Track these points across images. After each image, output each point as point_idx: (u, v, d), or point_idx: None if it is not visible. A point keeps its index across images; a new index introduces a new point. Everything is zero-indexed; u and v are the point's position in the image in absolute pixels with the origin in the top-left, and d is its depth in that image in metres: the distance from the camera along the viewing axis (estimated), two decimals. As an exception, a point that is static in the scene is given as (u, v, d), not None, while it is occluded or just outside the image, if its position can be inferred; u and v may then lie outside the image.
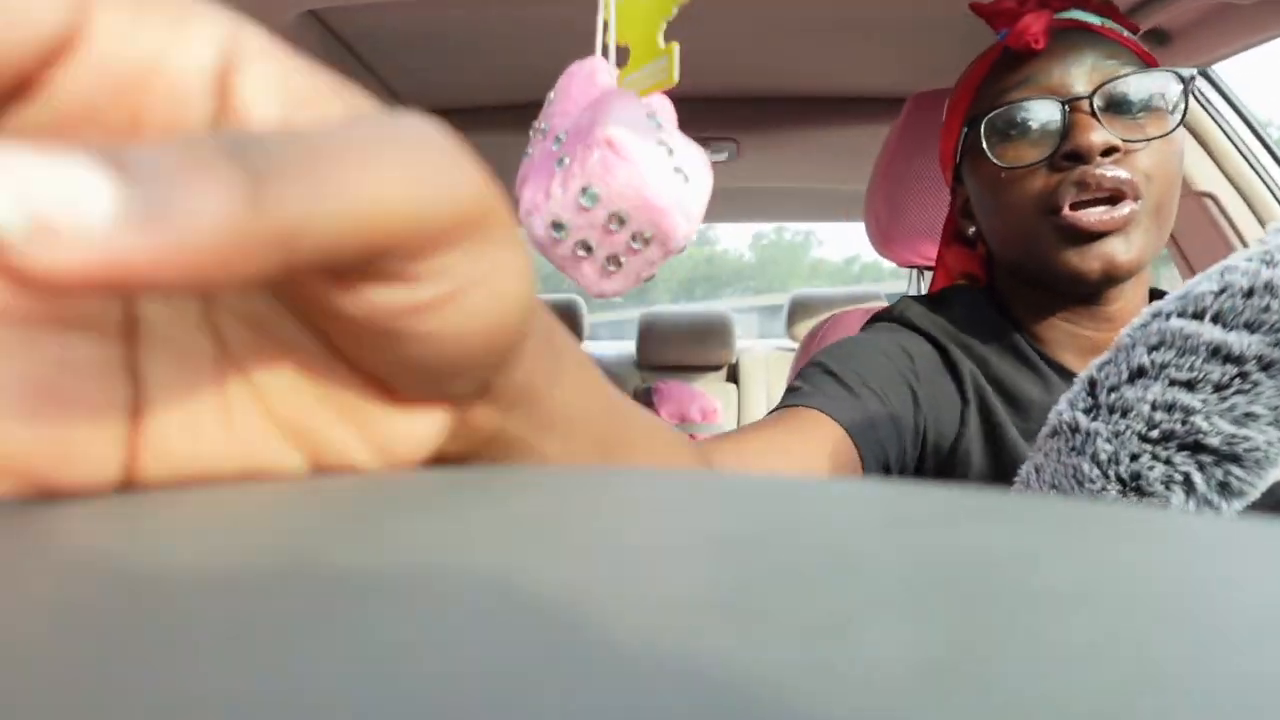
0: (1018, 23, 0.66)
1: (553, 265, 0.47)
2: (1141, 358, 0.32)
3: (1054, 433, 0.35)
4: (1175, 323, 0.32)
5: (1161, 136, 0.62)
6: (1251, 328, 0.30)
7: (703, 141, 1.34)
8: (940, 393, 0.68)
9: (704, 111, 1.39)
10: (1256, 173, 1.19)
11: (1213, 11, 0.96)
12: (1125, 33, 0.67)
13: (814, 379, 0.65)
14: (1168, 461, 0.31)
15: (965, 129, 0.70)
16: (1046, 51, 0.65)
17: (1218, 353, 0.31)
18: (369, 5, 0.98)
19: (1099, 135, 0.60)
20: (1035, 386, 0.68)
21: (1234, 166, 1.20)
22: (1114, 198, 0.61)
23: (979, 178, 0.69)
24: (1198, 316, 0.32)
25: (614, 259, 0.46)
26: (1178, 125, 0.63)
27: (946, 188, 0.83)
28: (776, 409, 0.64)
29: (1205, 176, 1.21)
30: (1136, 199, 0.61)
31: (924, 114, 1.00)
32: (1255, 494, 0.31)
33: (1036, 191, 0.63)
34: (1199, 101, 1.17)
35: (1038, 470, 0.35)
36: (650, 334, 2.58)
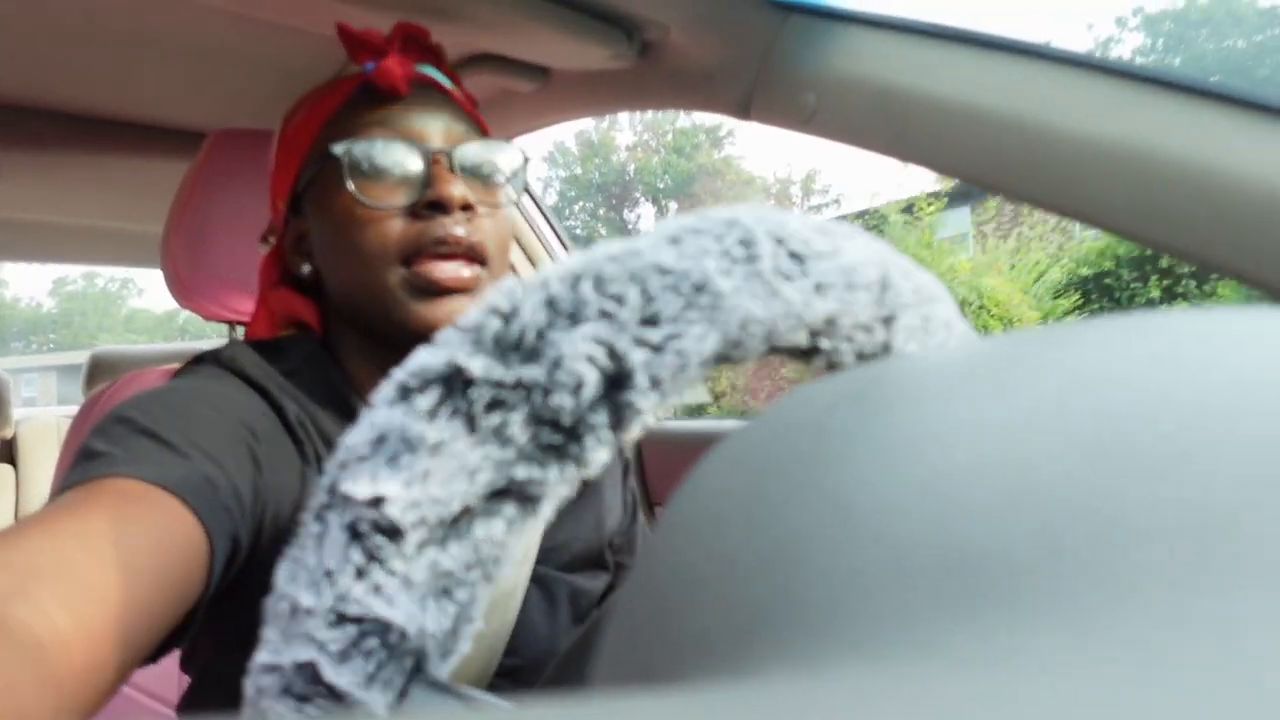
0: (382, 62, 0.63)
1: None
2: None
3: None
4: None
5: (509, 204, 0.65)
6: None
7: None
8: (280, 454, 0.58)
9: None
10: (545, 248, 1.37)
11: (501, 95, 1.07)
12: (466, 103, 0.70)
13: (123, 440, 0.49)
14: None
15: (314, 160, 0.64)
16: (406, 100, 0.63)
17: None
18: None
19: (459, 190, 0.60)
20: None
21: (527, 242, 1.37)
22: (466, 257, 0.61)
23: (328, 213, 0.63)
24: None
25: None
26: (519, 196, 0.67)
27: (253, 235, 0.74)
28: (70, 485, 0.46)
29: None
30: (483, 263, 0.62)
31: (226, 152, 0.89)
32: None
33: (393, 238, 0.61)
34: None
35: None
36: None
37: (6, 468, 2.01)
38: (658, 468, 1.33)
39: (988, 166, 0.60)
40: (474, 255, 0.62)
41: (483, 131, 0.68)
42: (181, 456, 0.50)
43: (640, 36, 0.79)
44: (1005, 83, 0.60)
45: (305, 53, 0.87)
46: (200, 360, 0.64)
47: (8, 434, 2.03)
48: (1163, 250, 0.53)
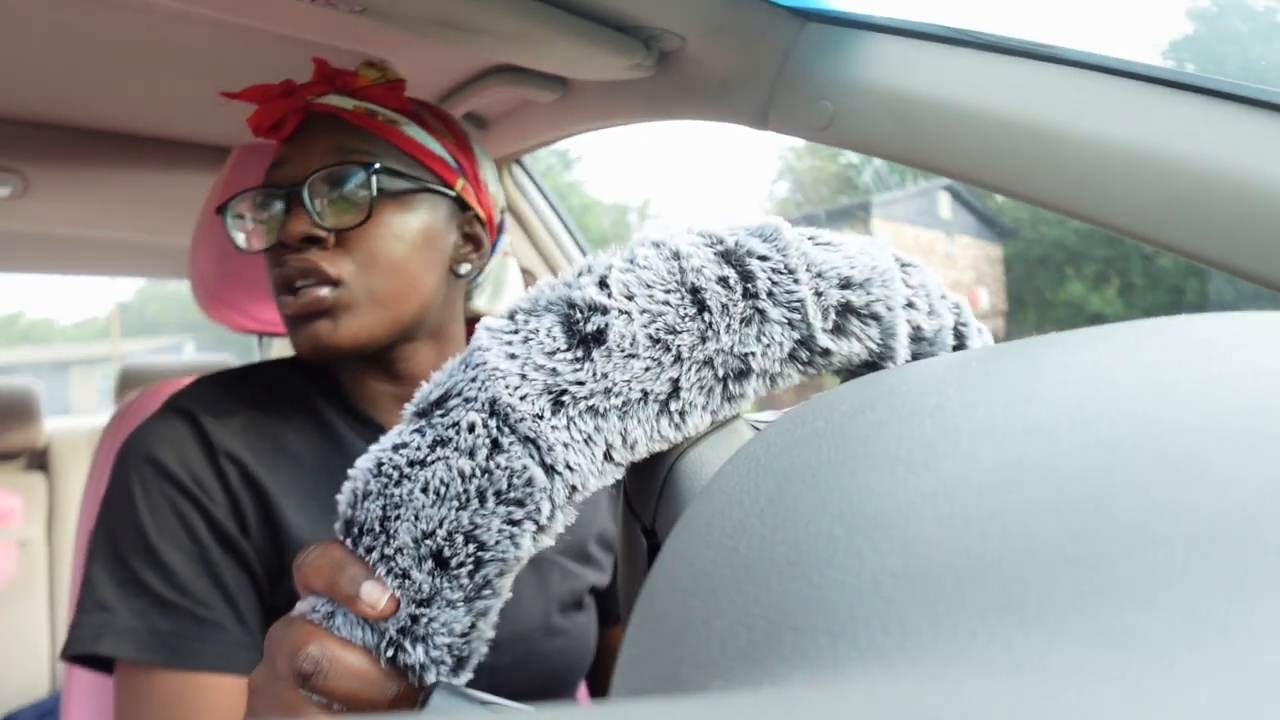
0: (259, 110, 0.68)
1: None
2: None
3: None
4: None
5: (358, 225, 0.64)
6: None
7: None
8: (224, 501, 0.65)
9: None
10: (561, 249, 1.38)
11: (519, 105, 1.07)
12: (380, 115, 0.68)
13: (121, 592, 0.60)
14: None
15: (217, 212, 0.70)
16: (293, 137, 0.67)
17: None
18: None
19: (299, 226, 0.63)
20: (341, 454, 0.69)
21: (545, 246, 1.37)
22: (315, 283, 0.64)
23: None
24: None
25: None
26: (369, 214, 0.65)
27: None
28: (84, 642, 0.59)
29: (525, 255, 1.36)
30: (331, 284, 0.64)
31: (250, 167, 0.91)
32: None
33: (272, 276, 0.67)
34: (516, 186, 1.31)
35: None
36: None
37: (39, 476, 2.04)
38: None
39: (1007, 172, 0.59)
40: (317, 278, 0.64)
41: (390, 141, 0.67)
42: (215, 627, 0.60)
43: (658, 47, 0.80)
44: (1024, 88, 0.60)
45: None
46: (169, 407, 0.68)
47: (40, 444, 2.06)
48: (1183, 255, 0.52)
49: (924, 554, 0.15)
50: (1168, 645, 0.11)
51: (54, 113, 1.07)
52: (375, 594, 0.29)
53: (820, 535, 0.17)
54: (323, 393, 0.72)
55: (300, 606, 0.32)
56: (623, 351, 0.29)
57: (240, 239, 0.68)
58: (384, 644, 0.30)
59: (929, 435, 0.18)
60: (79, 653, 0.59)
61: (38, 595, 1.93)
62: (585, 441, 0.29)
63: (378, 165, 0.65)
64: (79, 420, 2.30)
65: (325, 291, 0.64)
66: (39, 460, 2.07)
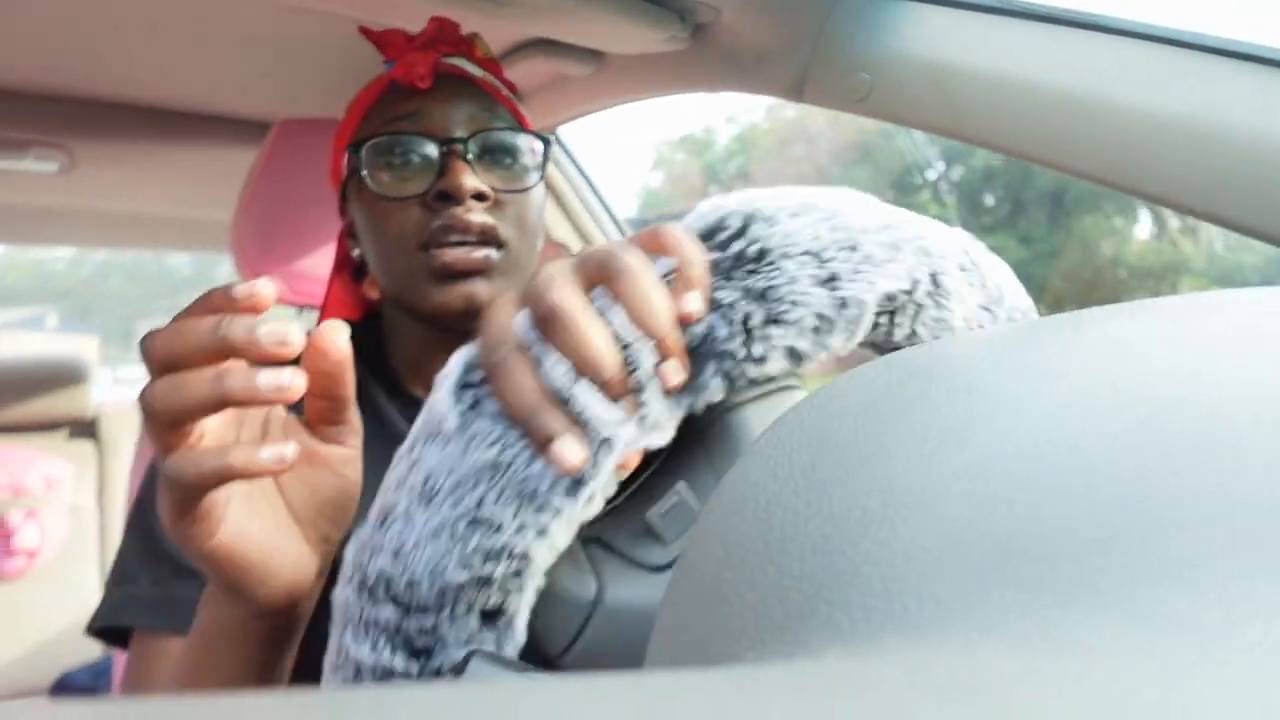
0: (402, 59, 0.67)
1: None
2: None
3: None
4: None
5: (525, 190, 0.66)
6: None
7: (21, 145, 1.04)
8: None
9: (23, 109, 1.09)
10: (597, 224, 1.38)
11: (554, 79, 1.07)
12: (503, 90, 0.71)
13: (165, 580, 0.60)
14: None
15: (350, 155, 0.68)
16: (431, 92, 0.66)
17: None
18: None
19: (470, 180, 0.63)
20: (382, 428, 0.67)
21: (580, 219, 1.37)
22: (479, 241, 0.63)
23: (360, 202, 0.68)
24: None
25: None
26: (539, 180, 0.68)
27: (320, 221, 0.77)
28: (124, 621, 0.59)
29: (559, 228, 1.37)
30: (499, 246, 0.64)
31: (292, 141, 0.92)
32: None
33: (410, 226, 0.64)
34: (552, 162, 1.31)
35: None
36: None
37: (89, 445, 2.10)
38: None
39: (1051, 145, 0.58)
40: (488, 238, 0.64)
41: (515, 118, 0.70)
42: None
43: (693, 19, 0.79)
44: (1068, 57, 0.58)
45: (367, 42, 0.89)
46: None
47: (89, 413, 2.12)
48: (1239, 231, 0.51)
49: (957, 530, 0.15)
50: (1206, 626, 0.11)
51: (98, 89, 1.09)
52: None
53: (855, 509, 0.17)
54: (365, 363, 0.71)
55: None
56: None
57: (369, 180, 0.65)
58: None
59: (963, 411, 0.18)
60: (101, 626, 0.59)
61: (89, 561, 2.00)
62: None
63: (552, 138, 0.67)
64: (129, 390, 2.35)
65: (493, 252, 0.64)
66: (88, 429, 2.13)
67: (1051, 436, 0.16)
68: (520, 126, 0.69)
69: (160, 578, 0.59)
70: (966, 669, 0.12)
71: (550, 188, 1.33)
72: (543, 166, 0.69)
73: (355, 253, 0.72)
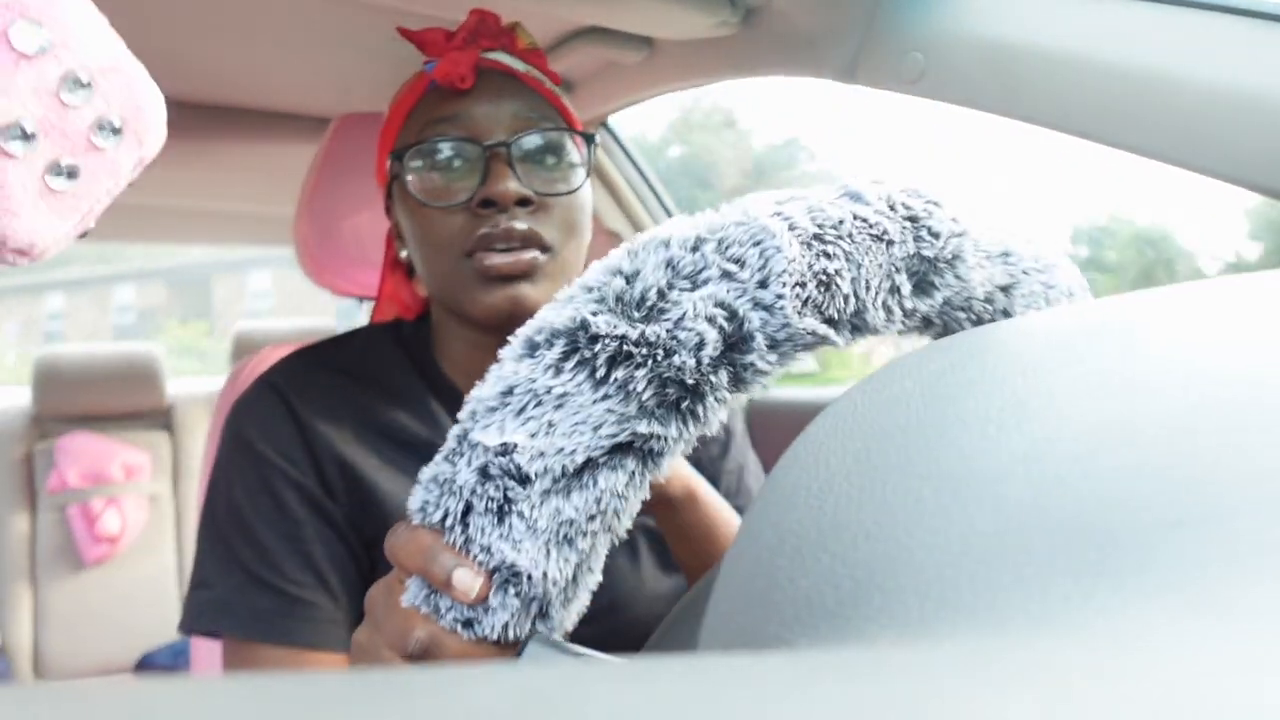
0: (443, 59, 0.65)
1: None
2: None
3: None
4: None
5: (570, 193, 0.65)
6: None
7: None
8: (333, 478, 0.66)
9: None
10: (649, 214, 1.38)
11: (605, 67, 1.07)
12: (547, 83, 0.69)
13: (240, 587, 0.62)
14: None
15: (393, 158, 0.67)
16: (473, 92, 0.65)
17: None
18: None
19: (514, 186, 0.62)
20: (429, 428, 0.68)
21: (631, 208, 1.37)
22: (523, 245, 0.63)
23: (405, 207, 0.67)
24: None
25: (61, 166, 0.29)
26: (584, 180, 0.67)
27: (380, 214, 0.78)
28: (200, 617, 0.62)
29: (611, 218, 1.37)
30: (544, 249, 0.64)
31: (350, 136, 0.93)
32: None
33: (454, 232, 0.64)
34: (603, 149, 1.31)
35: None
36: (50, 379, 2.08)
37: (164, 435, 2.19)
38: (762, 436, 1.32)
39: (1112, 124, 0.56)
40: (533, 242, 0.63)
41: (558, 112, 0.68)
42: (303, 603, 0.61)
43: (743, 3, 0.78)
44: (1130, 32, 0.56)
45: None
46: (261, 383, 0.69)
47: (164, 405, 2.21)
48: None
49: (1015, 516, 0.15)
50: (1274, 611, 0.11)
51: (162, 88, 1.13)
52: (468, 581, 0.30)
53: (909, 495, 0.16)
54: (415, 362, 0.72)
55: (405, 596, 0.32)
56: None
57: (413, 188, 0.65)
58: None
59: (1021, 394, 0.18)
60: (190, 630, 0.62)
61: (166, 545, 2.10)
62: None
63: (596, 138, 0.66)
64: (200, 382, 2.45)
65: (538, 255, 0.63)
66: (164, 420, 2.22)
67: (1114, 417, 0.16)
68: (564, 121, 0.68)
69: (237, 586, 0.61)
70: (1024, 659, 0.11)
71: (601, 176, 1.33)
72: (588, 164, 0.68)
73: (403, 254, 0.72)
